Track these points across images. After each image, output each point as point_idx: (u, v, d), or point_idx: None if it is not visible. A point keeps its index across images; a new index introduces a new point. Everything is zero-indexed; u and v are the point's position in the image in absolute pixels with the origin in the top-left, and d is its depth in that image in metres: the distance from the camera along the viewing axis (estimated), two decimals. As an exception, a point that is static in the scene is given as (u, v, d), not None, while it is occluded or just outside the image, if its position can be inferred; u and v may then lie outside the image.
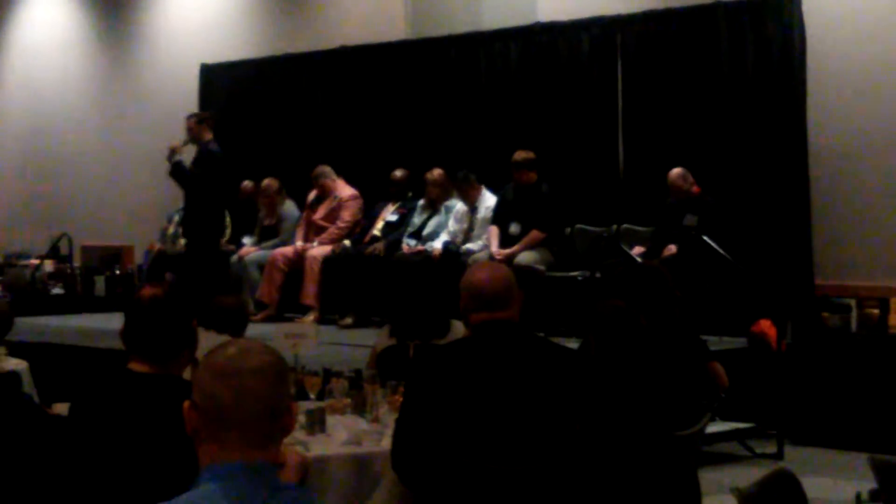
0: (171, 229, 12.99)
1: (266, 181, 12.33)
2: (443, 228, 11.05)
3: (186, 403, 2.61)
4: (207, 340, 5.56)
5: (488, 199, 10.89)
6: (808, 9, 10.17)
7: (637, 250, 9.83)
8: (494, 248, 10.33)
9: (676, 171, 9.99)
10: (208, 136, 11.08)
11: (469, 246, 10.65)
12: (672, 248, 9.64)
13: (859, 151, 10.07)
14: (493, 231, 10.51)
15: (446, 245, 10.68)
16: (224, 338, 5.98)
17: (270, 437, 2.58)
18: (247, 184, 12.81)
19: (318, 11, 13.61)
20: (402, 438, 4.19)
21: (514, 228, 10.38)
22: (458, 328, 6.27)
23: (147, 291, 4.01)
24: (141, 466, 3.58)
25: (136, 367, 3.84)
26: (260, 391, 2.56)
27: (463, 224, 10.92)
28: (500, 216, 10.54)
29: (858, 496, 4.06)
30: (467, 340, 4.43)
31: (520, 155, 10.47)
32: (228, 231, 12.80)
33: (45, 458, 4.12)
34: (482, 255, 10.13)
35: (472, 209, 10.92)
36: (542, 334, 7.82)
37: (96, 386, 3.94)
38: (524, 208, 10.36)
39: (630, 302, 5.47)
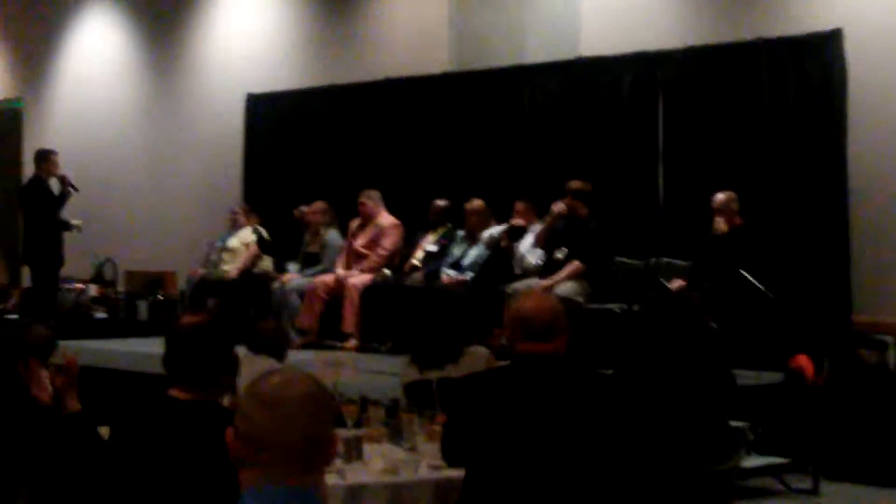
0: (213, 255, 13.09)
1: (315, 204, 12.42)
2: (483, 259, 11.10)
3: (230, 430, 2.68)
4: (252, 364, 5.67)
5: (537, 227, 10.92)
6: (850, 45, 10.18)
7: (676, 284, 9.83)
8: (534, 260, 10.43)
9: (721, 196, 10.00)
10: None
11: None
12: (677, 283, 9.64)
13: (899, 187, 10.07)
14: (537, 251, 10.60)
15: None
16: (266, 361, 6.09)
17: (312, 465, 2.63)
18: (304, 208, 12.83)
19: (363, 43, 13.71)
20: (448, 457, 4.33)
21: (559, 254, 10.42)
22: (475, 354, 6.38)
23: (187, 320, 4.04)
24: (180, 492, 3.63)
25: (176, 393, 3.88)
26: (302, 420, 2.61)
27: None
28: (548, 242, 10.59)
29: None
30: (508, 369, 4.47)
31: (575, 184, 10.53)
32: (270, 258, 12.91)
33: (87, 475, 4.18)
34: (521, 286, 10.17)
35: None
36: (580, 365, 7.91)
37: (137, 412, 3.99)
38: (572, 238, 10.40)
39: (661, 332, 5.48)
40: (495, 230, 11.05)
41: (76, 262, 15.02)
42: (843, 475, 8.70)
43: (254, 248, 12.87)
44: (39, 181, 11.94)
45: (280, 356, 6.42)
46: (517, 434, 4.06)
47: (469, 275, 10.99)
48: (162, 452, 3.70)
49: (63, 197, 12.04)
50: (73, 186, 12.06)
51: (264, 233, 12.34)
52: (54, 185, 12.26)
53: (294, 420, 2.61)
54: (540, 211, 10.94)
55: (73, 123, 16.56)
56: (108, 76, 16.28)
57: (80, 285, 14.31)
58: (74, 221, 12.01)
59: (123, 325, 13.42)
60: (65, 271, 14.90)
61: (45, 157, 12.09)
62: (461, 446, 4.26)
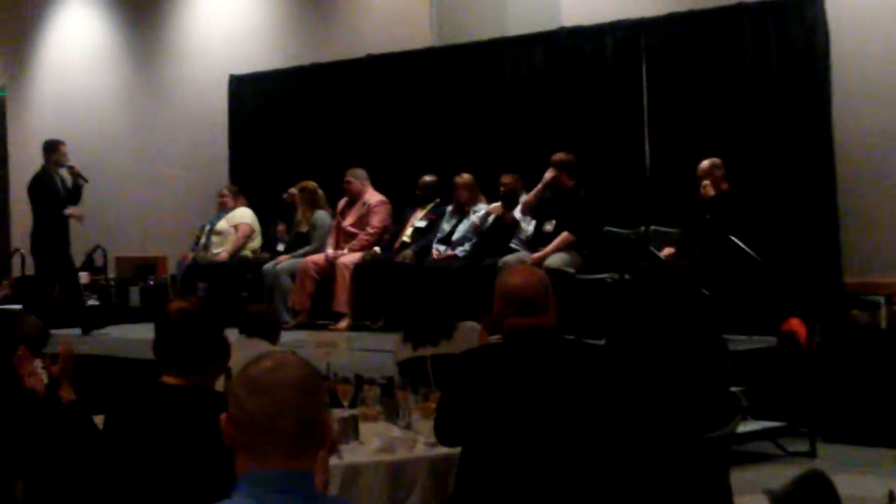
0: (203, 239, 13.07)
1: (304, 183, 12.41)
2: (472, 233, 11.10)
3: (223, 416, 2.67)
4: (245, 347, 5.67)
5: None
6: (831, 7, 10.18)
7: (666, 252, 9.84)
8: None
9: (706, 162, 9.99)
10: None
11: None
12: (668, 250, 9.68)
13: (885, 147, 10.06)
14: (528, 221, 10.61)
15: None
16: (259, 344, 6.09)
17: (305, 449, 2.63)
18: (293, 190, 12.82)
19: (344, 21, 13.69)
20: (442, 437, 4.33)
21: (548, 226, 10.41)
22: (468, 329, 6.39)
23: (174, 305, 4.01)
24: (175, 478, 3.62)
25: (168, 379, 3.87)
26: (294, 404, 2.61)
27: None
28: (537, 212, 10.58)
29: (891, 493, 4.07)
30: (501, 346, 4.45)
31: (558, 156, 10.49)
32: (259, 239, 12.90)
33: (81, 470, 4.18)
34: (512, 258, 10.17)
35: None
36: (572, 337, 7.91)
37: (130, 399, 3.98)
38: (560, 209, 10.39)
39: (653, 301, 5.48)
40: (477, 217, 11.00)
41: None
42: (840, 436, 8.75)
43: (243, 230, 12.85)
44: (47, 173, 11.86)
45: (273, 338, 6.42)
46: (513, 410, 4.06)
47: (459, 250, 10.98)
48: (156, 439, 3.70)
49: (77, 189, 11.97)
50: (83, 177, 12.00)
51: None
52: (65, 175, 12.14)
53: (286, 405, 2.61)
54: (527, 183, 10.92)
55: (56, 111, 16.51)
56: (90, 63, 16.24)
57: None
58: (69, 211, 11.91)
59: (115, 312, 13.40)
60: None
61: (54, 148, 12.00)
62: (455, 426, 4.26)
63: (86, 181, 12.03)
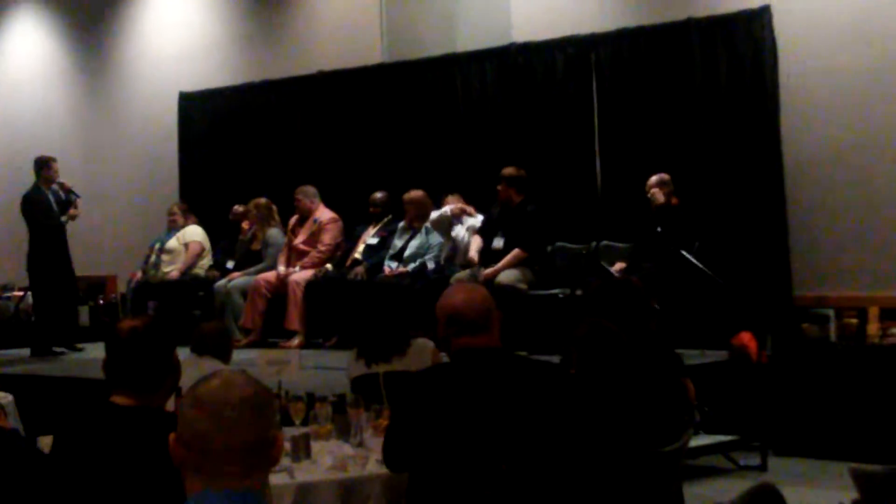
0: (153, 257, 12.99)
1: (255, 200, 12.38)
2: (424, 249, 11.08)
3: (172, 436, 2.65)
4: (196, 366, 5.63)
5: (470, 219, 10.94)
6: (778, 23, 10.28)
7: (617, 266, 9.87)
8: (473, 252, 10.38)
9: (654, 178, 10.04)
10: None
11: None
12: (619, 265, 9.67)
13: (833, 162, 10.14)
14: (476, 240, 10.55)
15: (434, 270, 10.78)
16: (210, 363, 6.04)
17: (255, 468, 2.61)
18: (238, 207, 12.83)
19: (295, 38, 13.67)
20: (391, 462, 4.29)
21: (497, 243, 10.39)
22: (421, 346, 6.38)
23: (125, 323, 3.97)
24: (125, 500, 3.59)
25: (118, 399, 3.84)
26: (243, 423, 2.59)
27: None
28: (485, 230, 10.57)
29: (841, 505, 4.08)
30: (450, 366, 4.39)
31: (508, 171, 10.48)
32: (210, 258, 12.84)
33: (30, 493, 4.13)
34: (463, 275, 10.16)
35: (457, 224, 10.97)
36: (524, 353, 7.91)
37: (79, 420, 3.94)
38: (509, 225, 10.39)
39: (606, 317, 5.48)
40: (434, 213, 10.99)
41: (14, 268, 14.90)
42: (791, 450, 8.79)
43: (194, 248, 12.79)
44: (39, 189, 11.77)
45: (225, 357, 6.38)
46: (464, 431, 4.03)
47: (411, 266, 10.97)
48: (105, 460, 3.66)
49: (69, 204, 11.84)
50: (74, 192, 11.88)
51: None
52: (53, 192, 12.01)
53: (235, 424, 2.59)
54: (476, 200, 10.94)
55: (3, 129, 16.38)
56: (38, 80, 16.13)
57: (18, 293, 14.15)
58: (65, 217, 11.78)
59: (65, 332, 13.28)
60: (3, 279, 14.79)
61: (44, 165, 11.90)
62: (405, 450, 4.21)
63: (78, 196, 11.92)
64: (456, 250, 10.88)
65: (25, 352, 11.71)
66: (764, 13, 10.30)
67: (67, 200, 11.83)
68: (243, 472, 2.58)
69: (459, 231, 10.88)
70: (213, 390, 2.63)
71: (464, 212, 10.91)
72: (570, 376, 5.20)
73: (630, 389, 5.22)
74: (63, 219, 11.63)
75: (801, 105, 10.25)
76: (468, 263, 10.46)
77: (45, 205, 11.67)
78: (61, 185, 11.86)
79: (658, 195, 9.93)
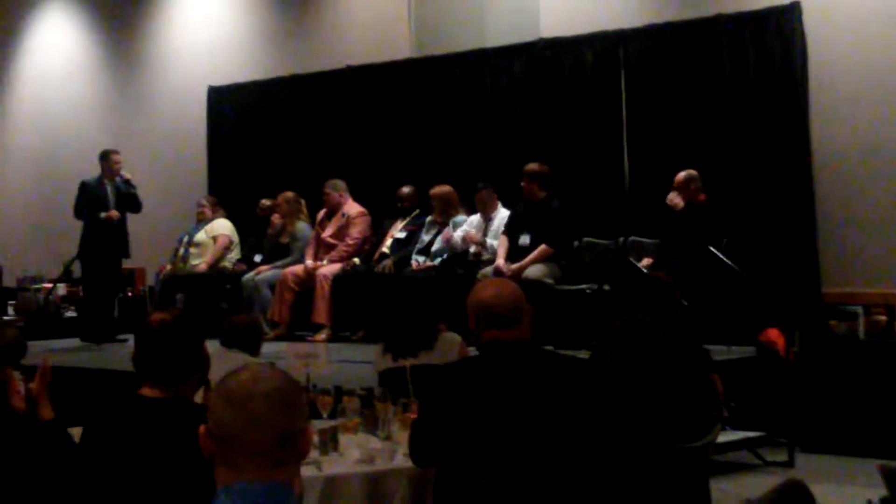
0: (182, 250, 13.03)
1: (285, 193, 12.42)
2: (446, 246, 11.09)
3: (202, 428, 2.67)
4: (225, 359, 5.65)
5: (502, 212, 10.94)
6: (808, 18, 10.25)
7: (645, 262, 9.86)
8: (501, 259, 10.36)
9: (682, 174, 10.02)
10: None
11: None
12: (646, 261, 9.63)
13: (863, 158, 10.11)
14: (502, 241, 10.55)
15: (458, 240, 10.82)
16: (239, 356, 6.07)
17: (284, 460, 2.62)
18: (265, 201, 12.87)
19: (324, 32, 13.69)
20: (418, 457, 4.31)
21: (523, 240, 10.39)
22: (448, 340, 6.39)
23: (156, 316, 4.00)
24: (154, 492, 3.60)
25: (147, 392, 3.86)
26: (272, 416, 2.60)
27: (479, 232, 10.96)
28: (511, 228, 10.57)
29: (869, 503, 4.07)
30: (478, 360, 4.41)
31: (531, 167, 10.47)
32: (238, 251, 12.87)
33: (61, 484, 4.15)
34: (489, 270, 10.16)
35: (488, 220, 10.97)
36: (551, 348, 7.91)
37: (108, 412, 3.96)
38: (534, 221, 10.38)
39: (636, 312, 5.47)
40: (457, 238, 10.98)
41: (44, 261, 14.97)
42: (818, 446, 8.76)
43: (222, 241, 12.83)
44: (101, 181, 11.91)
45: (254, 350, 6.40)
46: (493, 425, 4.04)
47: (438, 260, 10.98)
48: (134, 452, 3.68)
49: (129, 196, 11.93)
50: (132, 185, 11.99)
51: None
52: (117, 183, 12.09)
53: (263, 417, 2.60)
54: (503, 196, 10.94)
55: (35, 123, 16.49)
56: (69, 74, 16.20)
57: (48, 285, 14.21)
58: (104, 214, 11.86)
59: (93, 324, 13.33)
60: (33, 271, 14.85)
61: (103, 157, 12.03)
62: (432, 445, 4.22)
63: (134, 188, 12.02)
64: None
65: (55, 343, 11.78)
66: (794, 8, 10.28)
67: (129, 193, 11.93)
68: (273, 465, 2.59)
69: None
70: (241, 383, 2.65)
71: (473, 242, 10.88)
72: (602, 370, 5.19)
73: (661, 385, 5.21)
74: (102, 215, 11.70)
75: (831, 101, 10.21)
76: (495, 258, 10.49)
77: (99, 196, 11.77)
78: (124, 179, 11.95)
79: (675, 199, 9.91)
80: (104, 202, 11.80)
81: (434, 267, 10.88)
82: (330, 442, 5.05)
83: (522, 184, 10.43)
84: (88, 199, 11.88)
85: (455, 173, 11.66)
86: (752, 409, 8.50)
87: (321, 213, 12.09)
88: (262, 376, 2.67)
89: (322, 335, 11.20)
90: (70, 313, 13.83)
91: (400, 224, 11.72)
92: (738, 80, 10.50)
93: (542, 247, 10.21)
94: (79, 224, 12.08)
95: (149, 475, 3.62)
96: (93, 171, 12.01)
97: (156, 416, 3.76)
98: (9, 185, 16.85)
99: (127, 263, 12.71)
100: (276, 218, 12.60)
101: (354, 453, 4.98)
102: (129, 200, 11.92)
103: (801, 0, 10.28)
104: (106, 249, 11.80)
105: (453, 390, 4.19)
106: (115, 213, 11.82)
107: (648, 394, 5.13)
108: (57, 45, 16.42)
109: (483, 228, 10.94)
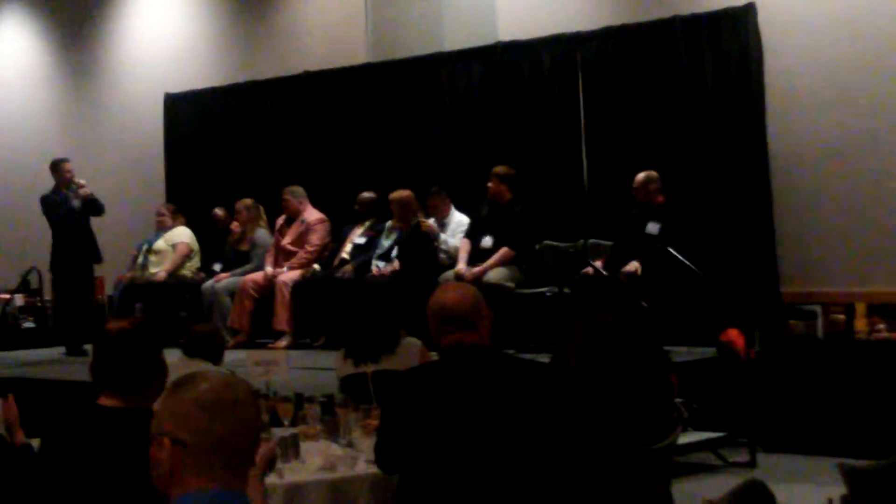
0: (141, 258, 12.95)
1: (244, 200, 12.37)
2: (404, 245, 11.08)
3: (166, 441, 2.64)
4: (187, 368, 5.61)
5: (456, 216, 10.96)
6: (763, 20, 10.29)
7: (597, 263, 9.85)
8: (462, 264, 10.35)
9: (641, 175, 10.05)
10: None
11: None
12: (634, 265, 9.60)
13: (819, 158, 10.16)
14: (464, 245, 10.55)
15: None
16: (201, 364, 6.03)
17: (248, 466, 2.66)
18: (218, 211, 12.86)
19: (281, 38, 13.66)
20: (383, 463, 4.29)
21: (486, 242, 10.40)
22: (409, 345, 6.38)
23: (113, 325, 3.98)
24: (112, 502, 3.58)
25: (105, 401, 3.83)
26: (251, 421, 2.65)
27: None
28: (473, 230, 10.58)
29: (830, 502, 4.09)
30: (439, 364, 4.42)
31: (500, 169, 10.48)
32: (198, 258, 12.82)
33: (18, 495, 4.12)
34: (451, 275, 10.16)
35: (441, 225, 10.98)
36: (512, 351, 7.90)
37: (66, 422, 3.93)
38: (498, 224, 10.39)
39: (596, 314, 5.46)
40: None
41: (1, 271, 14.85)
42: (779, 446, 8.79)
43: (181, 249, 12.76)
44: (57, 191, 11.79)
45: (216, 359, 6.36)
46: (454, 428, 4.03)
47: (398, 265, 10.97)
48: (93, 462, 3.65)
49: (91, 202, 11.79)
50: (79, 189, 11.87)
51: None
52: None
53: (245, 422, 2.63)
54: (462, 199, 10.94)
55: (-10, 132, 16.36)
56: (24, 82, 16.10)
57: (5, 295, 14.11)
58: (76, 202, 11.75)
59: (52, 334, 13.24)
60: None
61: (55, 167, 11.93)
62: (397, 451, 4.21)
63: (91, 193, 11.90)
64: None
65: (13, 354, 11.69)
66: (749, 10, 10.32)
67: (88, 199, 11.80)
68: (242, 471, 2.61)
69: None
70: (217, 391, 2.66)
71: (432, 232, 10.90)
72: (569, 371, 5.18)
73: (624, 386, 5.21)
74: (74, 203, 11.60)
75: (787, 102, 10.26)
76: (452, 260, 10.49)
77: (59, 205, 11.68)
78: (79, 186, 11.83)
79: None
80: (67, 207, 11.67)
81: (395, 272, 10.85)
82: (291, 449, 5.03)
83: (490, 185, 10.44)
84: (50, 211, 11.77)
85: (414, 178, 11.64)
86: (713, 409, 8.51)
87: (280, 220, 12.06)
88: (233, 383, 2.69)
89: (283, 342, 11.17)
90: (28, 324, 13.73)
91: (359, 230, 11.70)
92: (695, 82, 10.54)
93: (504, 249, 10.23)
94: (33, 234, 11.97)
95: (107, 485, 3.59)
96: (49, 179, 11.91)
97: (115, 425, 3.73)
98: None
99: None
100: (235, 225, 12.56)
101: (316, 460, 4.96)
102: (90, 205, 11.81)
103: (756, 1, 10.32)
104: (77, 256, 11.69)
105: (415, 395, 4.19)
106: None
107: (612, 396, 5.13)
108: (11, 52, 16.31)
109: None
